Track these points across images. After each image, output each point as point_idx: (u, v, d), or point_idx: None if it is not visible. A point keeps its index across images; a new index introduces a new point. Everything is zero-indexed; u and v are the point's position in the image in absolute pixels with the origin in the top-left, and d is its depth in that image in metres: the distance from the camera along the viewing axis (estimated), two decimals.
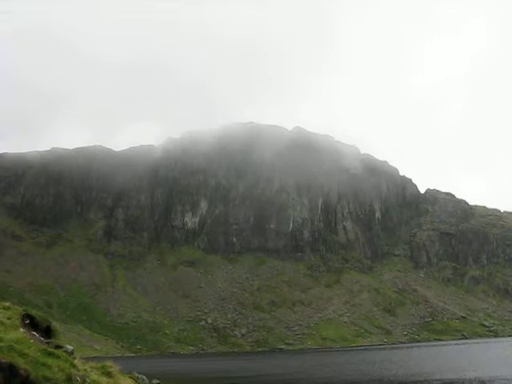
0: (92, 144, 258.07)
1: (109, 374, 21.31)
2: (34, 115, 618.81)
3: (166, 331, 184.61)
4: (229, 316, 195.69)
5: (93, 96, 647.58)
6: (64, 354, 17.66)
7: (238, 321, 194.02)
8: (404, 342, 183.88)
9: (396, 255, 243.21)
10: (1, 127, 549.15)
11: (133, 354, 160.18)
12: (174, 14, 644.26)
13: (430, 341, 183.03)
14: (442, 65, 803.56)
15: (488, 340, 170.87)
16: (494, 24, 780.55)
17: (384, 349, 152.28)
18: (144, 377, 39.40)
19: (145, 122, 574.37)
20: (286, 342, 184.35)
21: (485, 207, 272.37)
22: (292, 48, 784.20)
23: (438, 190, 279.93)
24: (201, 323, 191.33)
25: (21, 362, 13.64)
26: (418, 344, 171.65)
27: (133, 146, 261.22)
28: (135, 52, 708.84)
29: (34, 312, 22.22)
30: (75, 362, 17.83)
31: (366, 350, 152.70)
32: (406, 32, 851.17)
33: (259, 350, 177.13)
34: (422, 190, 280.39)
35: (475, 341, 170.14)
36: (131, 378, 28.72)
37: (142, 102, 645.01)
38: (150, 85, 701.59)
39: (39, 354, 15.49)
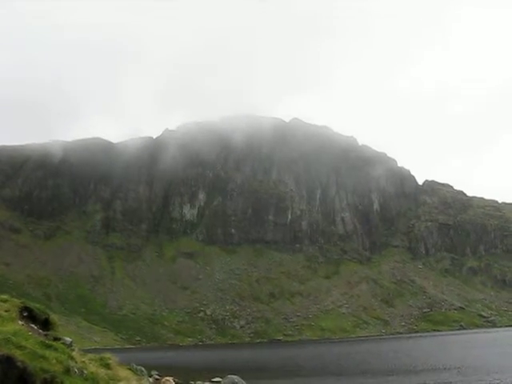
0: (90, 136, 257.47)
1: (107, 366, 21.34)
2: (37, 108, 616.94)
3: (165, 323, 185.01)
4: (227, 307, 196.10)
5: (95, 87, 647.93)
6: (62, 346, 17.66)
7: (237, 312, 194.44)
8: (402, 333, 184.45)
9: (394, 246, 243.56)
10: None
11: (132, 346, 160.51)
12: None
13: (428, 331, 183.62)
14: (442, 62, 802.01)
15: (486, 330, 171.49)
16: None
17: (383, 340, 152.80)
18: (143, 368, 39.48)
19: (142, 114, 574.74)
20: (285, 333, 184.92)
21: (483, 198, 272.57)
22: (291, 41, 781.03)
23: (436, 181, 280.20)
24: (199, 315, 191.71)
25: (18, 354, 13.60)
26: (416, 335, 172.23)
27: (131, 137, 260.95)
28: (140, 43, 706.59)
29: (32, 304, 22.21)
30: (73, 354, 17.84)
31: (365, 340, 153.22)
32: (409, 27, 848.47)
33: (258, 341, 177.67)
34: (420, 182, 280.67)
35: (473, 331, 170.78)
36: (130, 369, 28.74)
37: (139, 95, 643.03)
38: (147, 80, 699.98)
39: (37, 346, 15.47)
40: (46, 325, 21.71)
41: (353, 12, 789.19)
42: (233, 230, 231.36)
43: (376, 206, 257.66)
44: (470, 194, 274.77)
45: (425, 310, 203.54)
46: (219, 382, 50.60)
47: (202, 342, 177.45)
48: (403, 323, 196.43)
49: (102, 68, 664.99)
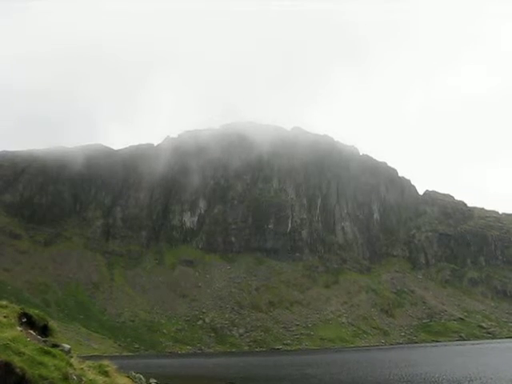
0: (91, 142, 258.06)
1: (106, 373, 21.23)
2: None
3: (164, 330, 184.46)
4: (227, 316, 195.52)
5: (101, 94, 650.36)
6: (61, 352, 17.58)
7: (236, 321, 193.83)
8: (401, 343, 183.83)
9: (394, 256, 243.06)
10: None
11: (130, 353, 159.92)
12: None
13: (427, 342, 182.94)
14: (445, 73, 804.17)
15: (486, 341, 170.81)
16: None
17: (384, 350, 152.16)
18: (141, 376, 39.37)
19: (143, 122, 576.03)
20: (284, 342, 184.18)
21: (483, 209, 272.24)
22: (292, 46, 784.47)
23: (436, 192, 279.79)
24: (199, 323, 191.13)
25: (16, 361, 13.57)
26: (417, 345, 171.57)
27: (132, 144, 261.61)
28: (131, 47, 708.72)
29: (31, 311, 22.13)
30: (72, 360, 17.76)
31: (365, 350, 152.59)
32: (410, 39, 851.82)
33: (257, 350, 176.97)
34: (421, 191, 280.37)
35: (473, 342, 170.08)
36: (128, 377, 28.66)
37: (140, 102, 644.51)
38: (147, 84, 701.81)
39: (35, 352, 15.42)
40: (44, 331, 21.63)
41: (355, 27, 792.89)
42: (233, 239, 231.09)
43: (376, 215, 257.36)
44: (470, 204, 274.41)
45: (424, 321, 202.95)
46: None
47: (201, 350, 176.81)
48: (403, 333, 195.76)
49: (109, 76, 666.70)
